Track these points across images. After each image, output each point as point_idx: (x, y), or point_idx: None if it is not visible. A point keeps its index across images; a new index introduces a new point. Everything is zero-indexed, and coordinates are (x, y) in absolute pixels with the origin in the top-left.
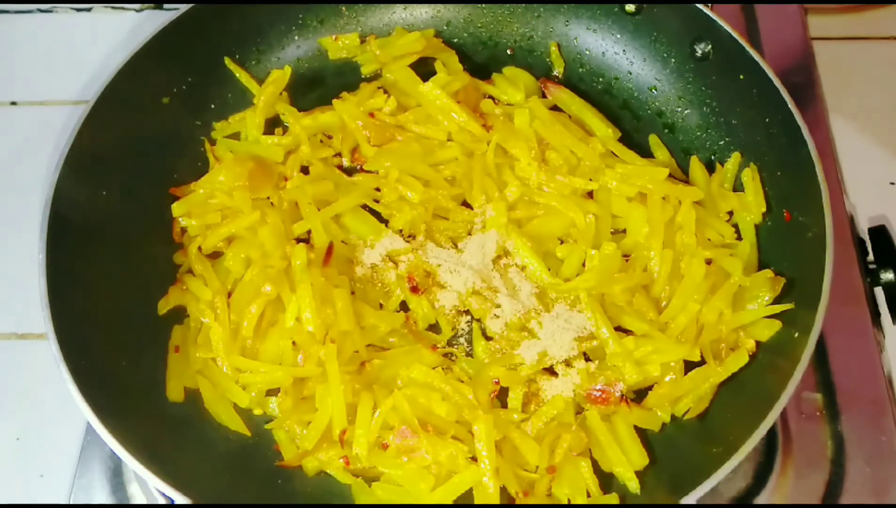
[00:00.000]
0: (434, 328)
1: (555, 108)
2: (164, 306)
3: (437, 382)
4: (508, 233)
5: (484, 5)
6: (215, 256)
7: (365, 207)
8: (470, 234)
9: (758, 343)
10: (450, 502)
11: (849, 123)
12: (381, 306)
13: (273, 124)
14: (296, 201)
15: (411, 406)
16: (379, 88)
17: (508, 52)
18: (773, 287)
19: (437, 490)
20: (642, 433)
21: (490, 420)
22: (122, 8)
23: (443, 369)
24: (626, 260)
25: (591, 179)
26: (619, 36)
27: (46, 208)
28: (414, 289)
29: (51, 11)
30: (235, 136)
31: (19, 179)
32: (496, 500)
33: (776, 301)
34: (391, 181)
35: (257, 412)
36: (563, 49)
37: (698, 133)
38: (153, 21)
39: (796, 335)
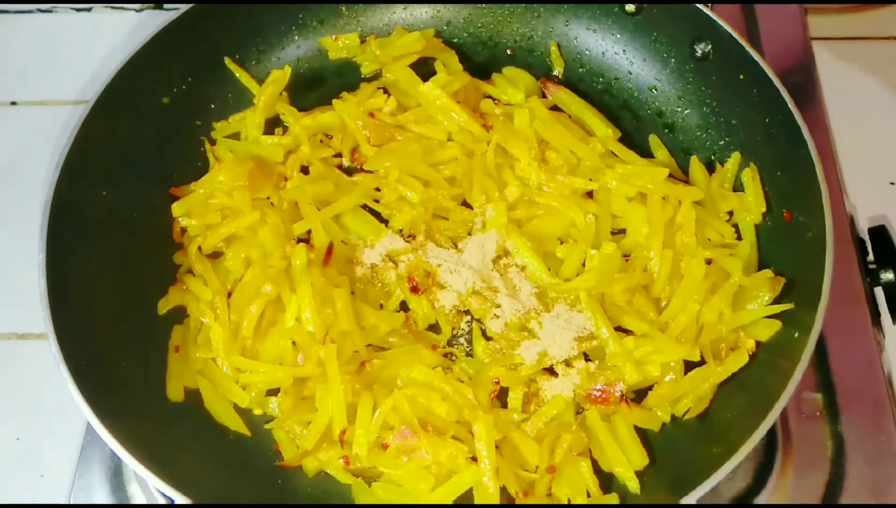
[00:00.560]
0: (434, 328)
1: (555, 108)
2: (164, 306)
3: (437, 382)
4: (508, 233)
5: (484, 5)
6: (215, 256)
7: (365, 207)
8: (470, 234)
9: (758, 343)
10: (450, 502)
11: (849, 123)
12: (381, 306)
13: (273, 124)
14: (296, 201)
15: (411, 406)
16: (379, 88)
17: (508, 52)
18: (773, 287)
19: (437, 490)
20: (642, 433)
21: (490, 420)
22: (122, 8)
23: (443, 369)
24: (626, 260)
25: (591, 179)
26: (619, 36)
27: (46, 208)
28: (414, 289)
29: (51, 11)
30: (235, 136)
31: (19, 179)
32: (496, 500)
33: (776, 301)
34: (391, 181)
35: (257, 412)
36: (563, 49)
37: (698, 133)
38: (153, 21)
39: (796, 335)
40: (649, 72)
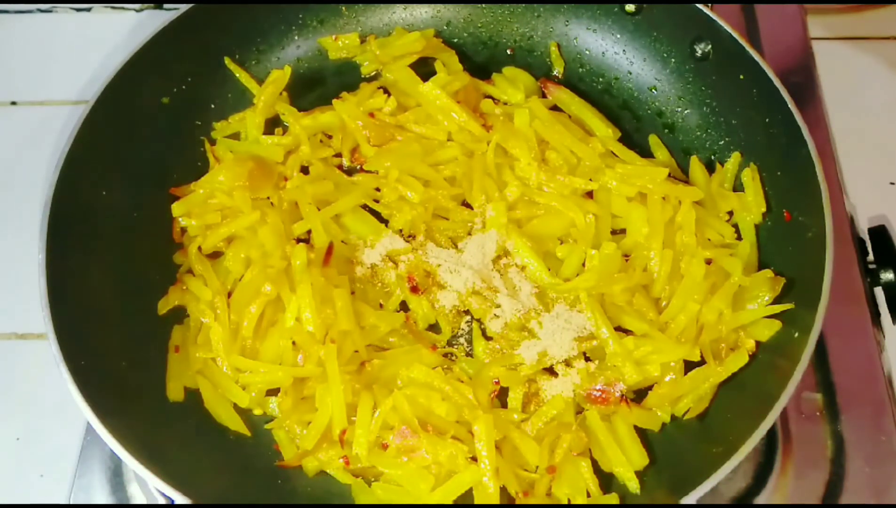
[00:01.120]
0: (434, 328)
1: (555, 108)
2: (164, 306)
3: (437, 382)
4: (508, 233)
5: (484, 5)
6: (215, 256)
7: (365, 207)
8: (470, 234)
9: (758, 343)
10: (450, 502)
11: (849, 123)
12: (381, 306)
13: (273, 124)
14: (296, 201)
15: (411, 406)
16: (379, 88)
17: (508, 52)
18: (773, 287)
19: (437, 490)
20: (642, 433)
21: (490, 420)
22: (122, 8)
23: (443, 369)
24: (626, 260)
25: (591, 179)
26: (619, 36)
27: (46, 208)
28: (414, 289)
29: (51, 11)
30: (235, 136)
31: (19, 179)
32: (496, 500)
33: (776, 301)
34: (391, 181)
35: (257, 412)
36: (563, 49)
37: (698, 133)
38: (153, 21)
39: (796, 335)
40: (649, 72)
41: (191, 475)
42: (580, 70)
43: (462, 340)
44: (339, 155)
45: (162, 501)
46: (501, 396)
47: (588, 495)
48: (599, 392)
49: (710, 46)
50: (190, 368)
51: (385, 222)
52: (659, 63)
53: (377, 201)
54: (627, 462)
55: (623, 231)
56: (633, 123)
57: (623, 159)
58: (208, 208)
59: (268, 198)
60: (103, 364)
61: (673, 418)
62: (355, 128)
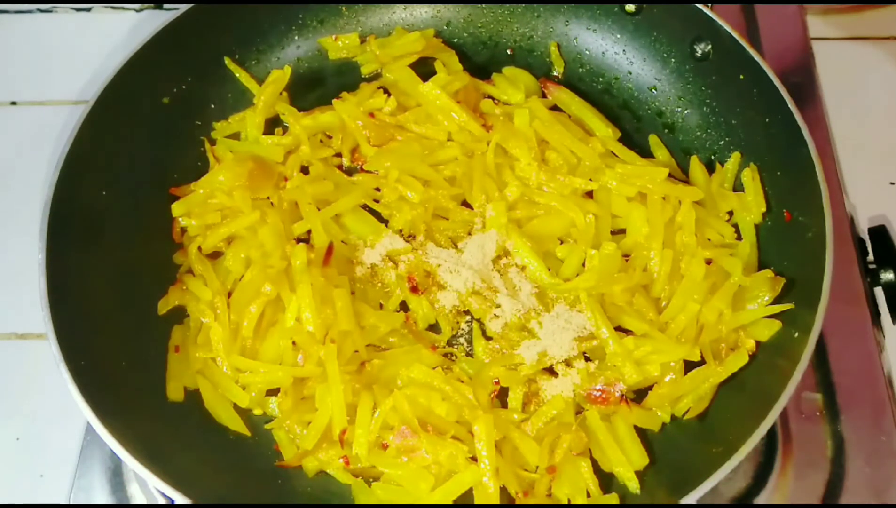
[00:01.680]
0: (434, 328)
1: (555, 108)
2: (164, 306)
3: (437, 382)
4: (508, 233)
5: (484, 5)
6: (215, 256)
7: (365, 207)
8: (470, 234)
9: (758, 343)
10: (450, 502)
11: (849, 122)
12: (381, 306)
13: (273, 124)
14: (296, 201)
15: (411, 406)
16: (379, 88)
17: (508, 52)
18: (773, 287)
19: (437, 490)
20: (642, 434)
21: (490, 420)
22: (122, 8)
23: (443, 369)
24: (626, 260)
25: (591, 179)
26: (619, 36)
27: (46, 208)
28: (414, 289)
29: (51, 11)
30: (235, 136)
31: (19, 179)
32: (496, 500)
33: (776, 301)
34: (391, 181)
35: (257, 412)
36: (563, 49)
37: (698, 133)
38: (153, 21)
39: (796, 335)
40: (649, 72)
41: (191, 475)
42: (580, 70)
43: (462, 340)
44: (339, 155)
45: (162, 501)
46: (501, 396)
47: (588, 495)
48: (599, 392)
49: (710, 46)
50: (190, 368)
51: (385, 222)
52: (659, 63)
53: (377, 201)
54: (627, 462)
55: (623, 231)
56: (633, 123)
57: (623, 159)
58: (208, 208)
59: (268, 198)
60: (103, 364)
61: (673, 418)
62: (355, 128)
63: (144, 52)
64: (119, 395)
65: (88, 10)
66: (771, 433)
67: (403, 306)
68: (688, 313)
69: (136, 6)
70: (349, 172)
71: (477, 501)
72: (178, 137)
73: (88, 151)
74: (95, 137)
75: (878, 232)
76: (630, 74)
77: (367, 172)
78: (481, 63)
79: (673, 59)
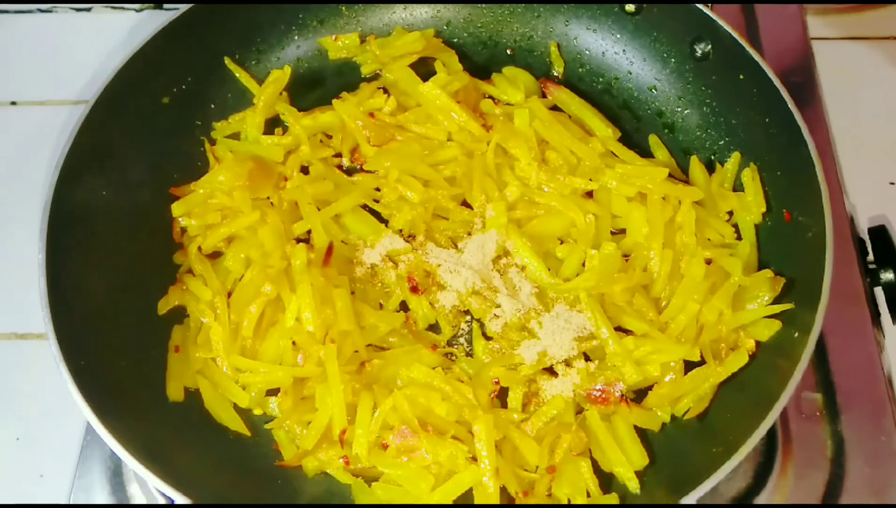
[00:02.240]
0: (434, 328)
1: (555, 108)
2: (164, 306)
3: (437, 382)
4: (508, 233)
5: (484, 5)
6: (215, 256)
7: (365, 207)
8: (470, 234)
9: (758, 343)
10: (450, 502)
11: (849, 123)
12: (381, 306)
13: (273, 124)
14: (296, 201)
15: (411, 406)
16: (379, 88)
17: (508, 52)
18: (773, 287)
19: (437, 490)
20: (642, 433)
21: (490, 420)
22: (122, 8)
23: (443, 369)
24: (626, 260)
25: (591, 179)
26: (619, 36)
27: (46, 208)
28: (414, 289)
29: (51, 11)
30: (235, 136)
31: (19, 179)
32: (496, 500)
33: (776, 301)
34: (391, 181)
35: (257, 412)
36: (563, 49)
37: (698, 133)
38: (153, 21)
39: (796, 335)
40: (649, 72)
41: (191, 475)
42: (580, 70)
43: (462, 340)
44: (339, 155)
45: (162, 501)
46: (501, 396)
47: (588, 495)
48: (599, 392)
49: (709, 46)
50: (190, 368)
51: (385, 222)
52: (659, 63)
53: (377, 201)
54: (627, 462)
55: (623, 231)
56: (633, 123)
57: (623, 159)
58: (208, 208)
59: (268, 198)
60: (103, 364)
61: (673, 418)
62: (355, 128)
63: (144, 52)
64: (119, 395)
65: (88, 10)
66: (771, 433)
67: (403, 306)
68: (688, 313)
69: (136, 6)
70: (349, 172)
71: (477, 501)
72: (178, 138)
73: (88, 151)
74: (95, 137)
75: (878, 232)
76: (630, 74)
77: (367, 172)
78: (481, 63)
79: (673, 59)
